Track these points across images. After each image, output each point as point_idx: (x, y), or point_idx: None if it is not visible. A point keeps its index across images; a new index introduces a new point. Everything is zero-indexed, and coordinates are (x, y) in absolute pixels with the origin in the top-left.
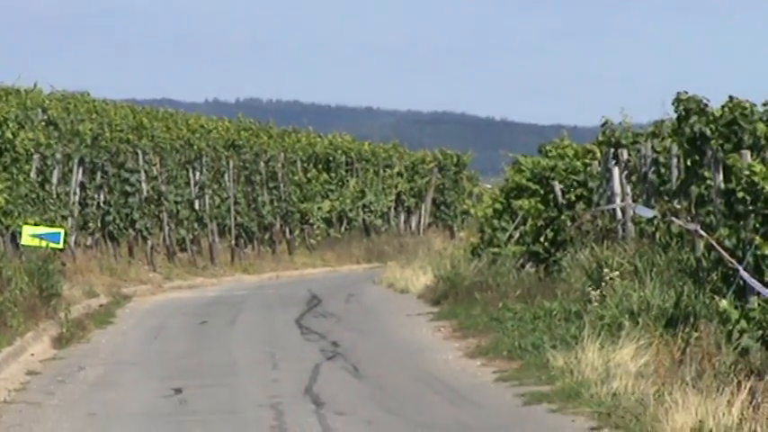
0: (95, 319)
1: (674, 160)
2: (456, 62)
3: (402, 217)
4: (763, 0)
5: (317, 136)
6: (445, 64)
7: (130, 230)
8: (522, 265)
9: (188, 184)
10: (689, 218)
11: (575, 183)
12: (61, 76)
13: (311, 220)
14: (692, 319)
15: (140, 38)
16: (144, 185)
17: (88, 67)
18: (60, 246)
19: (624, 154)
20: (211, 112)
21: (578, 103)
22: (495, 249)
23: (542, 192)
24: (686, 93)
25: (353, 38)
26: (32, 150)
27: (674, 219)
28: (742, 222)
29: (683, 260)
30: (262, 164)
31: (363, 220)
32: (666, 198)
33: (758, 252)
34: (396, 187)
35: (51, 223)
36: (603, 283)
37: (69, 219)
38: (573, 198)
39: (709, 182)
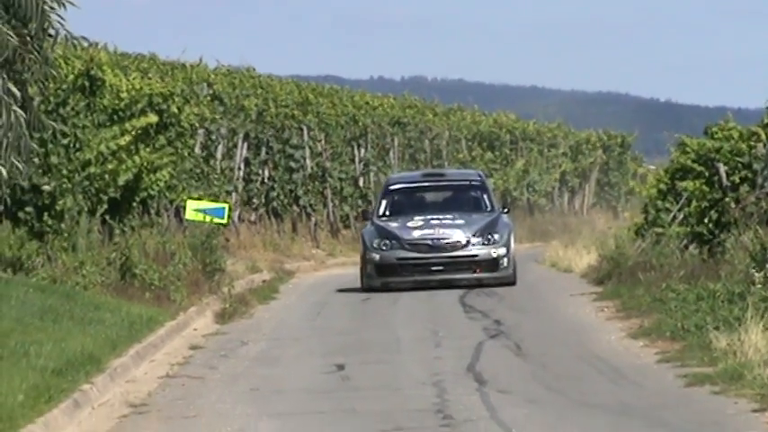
0: (258, 294)
1: None
2: (621, 41)
3: (566, 197)
4: None
5: (481, 114)
6: (611, 43)
7: (294, 207)
8: (686, 246)
9: (353, 160)
10: None
11: (739, 165)
12: (227, 50)
13: None
14: None
15: (306, 13)
16: (308, 162)
17: (254, 41)
18: (224, 221)
19: None
20: (376, 89)
21: (743, 84)
22: (659, 230)
23: (707, 173)
24: None
25: (518, 16)
26: (197, 125)
27: None
28: None
29: None
30: (426, 141)
31: (527, 199)
32: None
33: None
34: (560, 167)
35: (215, 198)
36: None
37: (233, 194)
38: (737, 180)
39: None
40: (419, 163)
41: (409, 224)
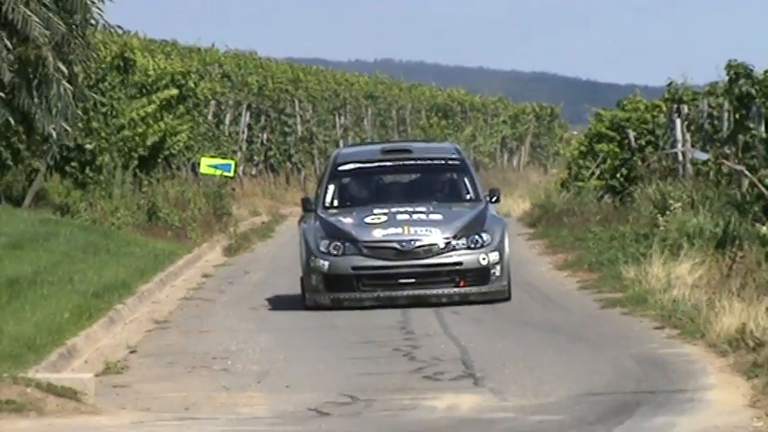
0: (258, 233)
1: (726, 114)
2: (550, 30)
3: (505, 156)
4: None
5: (437, 89)
6: (541, 31)
7: (287, 163)
8: (602, 196)
9: (334, 126)
10: (736, 161)
11: (645, 131)
12: (234, 36)
13: None
14: (737, 242)
15: (300, 5)
16: (299, 127)
17: (256, 28)
18: (231, 174)
19: (685, 109)
20: (353, 69)
21: (649, 65)
22: (580, 183)
23: (619, 138)
24: (736, 60)
25: (468, 8)
26: (210, 97)
27: (724, 161)
28: None
29: (730, 195)
30: (393, 112)
31: (474, 158)
32: (718, 144)
33: None
34: (500, 132)
35: (224, 156)
36: (667, 212)
37: (238, 153)
38: (643, 143)
39: (753, 132)
40: (388, 129)
41: (368, 220)
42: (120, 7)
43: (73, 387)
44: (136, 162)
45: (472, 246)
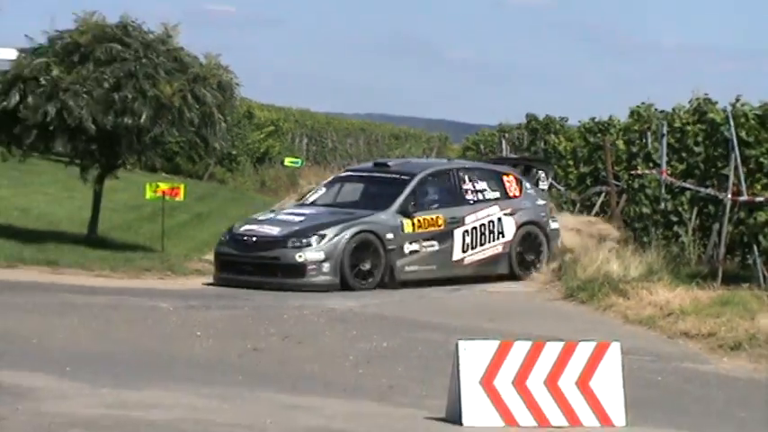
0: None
1: (525, 137)
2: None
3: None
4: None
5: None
6: (379, 89)
7: (325, 161)
8: None
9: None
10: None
11: (492, 148)
12: (301, 98)
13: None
14: None
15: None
16: (327, 143)
17: (334, 93)
18: (300, 166)
19: (507, 135)
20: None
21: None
22: None
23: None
24: (533, 113)
25: (346, 71)
26: (288, 130)
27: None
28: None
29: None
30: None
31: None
32: (522, 151)
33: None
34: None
35: (296, 157)
36: None
37: (302, 155)
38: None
39: (538, 146)
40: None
41: (258, 216)
42: (248, 87)
43: None
44: (255, 160)
45: (298, 245)
